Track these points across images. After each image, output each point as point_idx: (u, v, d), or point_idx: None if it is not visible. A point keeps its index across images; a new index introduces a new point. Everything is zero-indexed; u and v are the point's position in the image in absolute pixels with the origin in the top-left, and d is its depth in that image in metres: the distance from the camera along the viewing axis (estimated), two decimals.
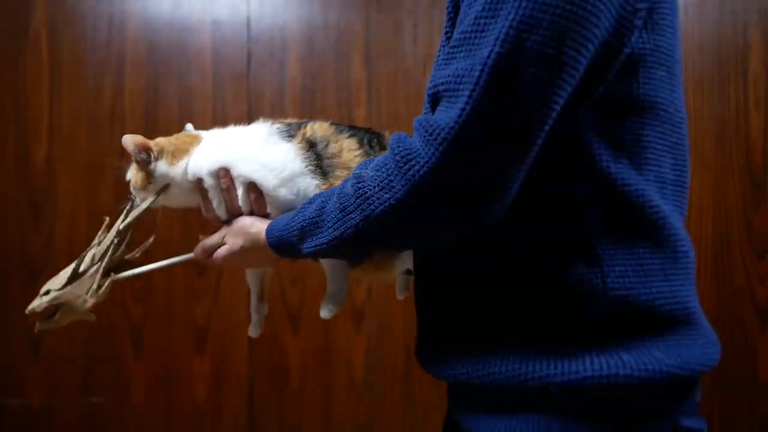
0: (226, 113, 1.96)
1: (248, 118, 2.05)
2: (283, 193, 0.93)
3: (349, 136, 0.96)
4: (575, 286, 0.71)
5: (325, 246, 0.79)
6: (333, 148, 0.95)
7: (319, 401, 1.96)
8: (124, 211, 1.00)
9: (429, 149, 0.68)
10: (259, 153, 0.95)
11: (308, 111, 1.97)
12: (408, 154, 0.70)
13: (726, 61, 1.88)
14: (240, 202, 0.95)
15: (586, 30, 0.65)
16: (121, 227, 0.98)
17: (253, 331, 1.12)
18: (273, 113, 2.03)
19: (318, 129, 0.97)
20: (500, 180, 0.69)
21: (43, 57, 1.97)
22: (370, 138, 0.97)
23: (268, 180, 0.94)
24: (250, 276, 1.10)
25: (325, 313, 0.99)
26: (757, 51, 1.88)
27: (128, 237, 1.00)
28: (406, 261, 0.97)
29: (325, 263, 0.98)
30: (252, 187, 0.94)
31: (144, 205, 0.99)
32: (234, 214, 0.96)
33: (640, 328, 0.71)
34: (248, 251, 0.92)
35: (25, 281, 1.94)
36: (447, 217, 0.72)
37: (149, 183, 0.99)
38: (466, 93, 0.66)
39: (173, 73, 1.98)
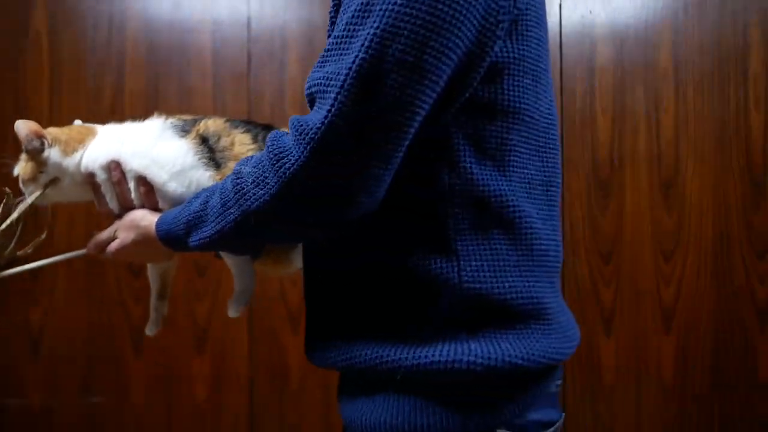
0: (226, 113, 1.95)
1: (248, 118, 2.05)
2: (173, 187, 0.94)
3: (243, 132, 0.97)
4: (433, 280, 0.75)
5: (208, 240, 0.82)
6: (225, 141, 0.96)
7: (319, 401, 1.96)
8: (0, 207, 0.97)
9: (299, 148, 0.71)
10: (151, 148, 0.95)
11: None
12: (281, 152, 0.73)
13: (726, 61, 1.89)
14: (132, 196, 0.96)
15: (446, 40, 0.69)
16: (2, 226, 0.96)
17: (149, 329, 1.12)
18: (273, 113, 2.04)
19: (211, 125, 0.98)
20: (366, 181, 0.72)
21: (43, 57, 1.97)
22: (265, 135, 0.97)
23: (158, 176, 0.94)
24: (151, 273, 1.10)
25: (231, 312, 1.00)
26: (757, 51, 1.88)
27: (18, 233, 0.98)
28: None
29: (230, 263, 0.99)
30: (142, 181, 0.95)
31: (29, 200, 0.97)
32: (126, 207, 0.97)
33: (492, 320, 0.76)
34: (140, 244, 0.93)
35: (25, 281, 1.94)
36: (316, 214, 0.76)
37: (40, 173, 0.97)
38: (332, 96, 0.70)
39: (173, 73, 1.98)
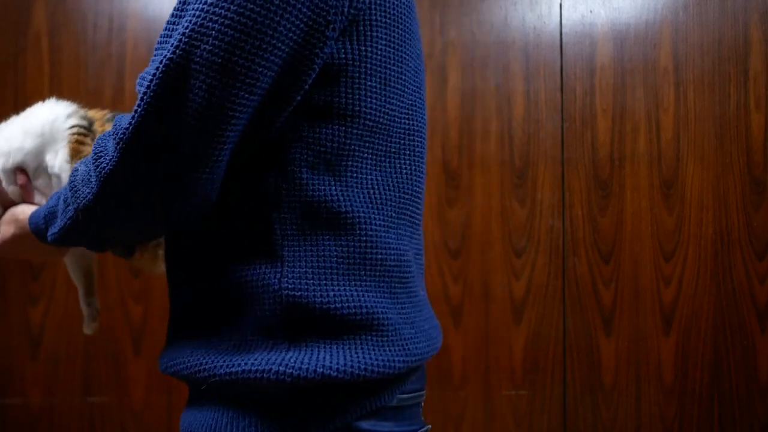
0: None
1: None
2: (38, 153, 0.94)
3: None
4: (255, 287, 0.73)
5: (57, 235, 0.81)
6: (96, 128, 0.96)
7: None
8: None
9: (114, 148, 0.71)
10: (10, 136, 0.95)
11: None
12: (101, 151, 0.72)
13: (726, 61, 1.88)
14: (12, 196, 0.95)
15: (260, 41, 0.67)
16: None
17: (87, 327, 1.10)
18: None
19: (92, 113, 0.98)
20: (183, 186, 0.70)
21: (43, 57, 1.97)
22: None
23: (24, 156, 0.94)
24: (73, 273, 1.09)
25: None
26: (757, 51, 1.88)
27: None
28: None
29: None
30: (16, 175, 0.95)
31: None
32: (7, 207, 0.96)
33: (315, 329, 0.73)
34: (21, 238, 0.91)
35: (26, 281, 1.94)
36: (135, 217, 0.75)
37: None
38: (141, 96, 0.70)
39: None
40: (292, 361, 0.71)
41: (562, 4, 1.94)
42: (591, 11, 1.93)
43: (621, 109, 1.91)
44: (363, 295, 0.74)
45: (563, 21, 1.93)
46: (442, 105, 1.95)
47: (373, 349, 0.73)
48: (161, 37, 0.73)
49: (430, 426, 0.83)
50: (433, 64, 1.95)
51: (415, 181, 0.82)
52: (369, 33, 0.73)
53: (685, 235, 1.89)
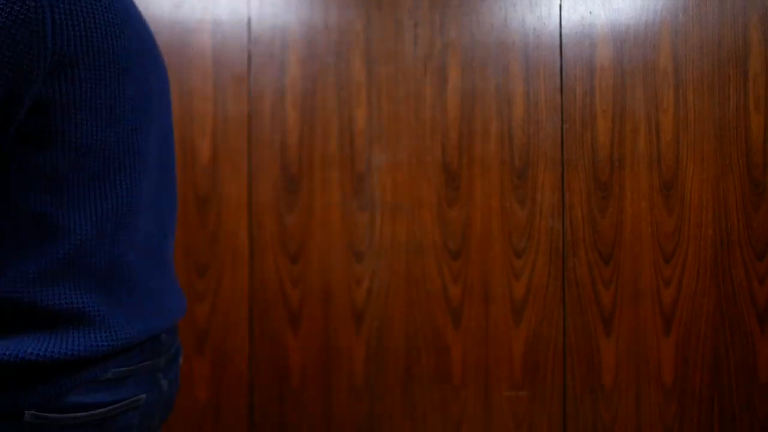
0: (227, 114, 1.96)
1: (248, 119, 2.05)
2: None
3: None
4: None
5: None
6: None
7: (319, 401, 1.96)
8: None
9: None
10: None
11: (308, 111, 1.97)
12: None
13: (726, 61, 1.89)
14: None
15: None
16: None
17: None
18: (273, 114, 2.04)
19: None
20: None
21: None
22: None
23: None
24: None
25: None
26: (756, 52, 1.88)
27: None
28: None
29: None
30: None
31: None
32: None
33: (25, 322, 0.88)
34: None
35: None
36: None
37: None
38: None
39: (173, 74, 1.98)
40: (1, 349, 0.86)
41: (562, 5, 1.94)
42: (590, 12, 1.93)
43: (621, 110, 1.92)
44: (72, 293, 0.90)
45: (563, 22, 1.94)
46: (442, 105, 1.95)
47: (80, 337, 0.90)
48: None
49: (144, 396, 0.98)
50: (433, 64, 1.96)
51: (136, 194, 0.97)
52: (76, 74, 0.86)
53: (684, 236, 1.89)
